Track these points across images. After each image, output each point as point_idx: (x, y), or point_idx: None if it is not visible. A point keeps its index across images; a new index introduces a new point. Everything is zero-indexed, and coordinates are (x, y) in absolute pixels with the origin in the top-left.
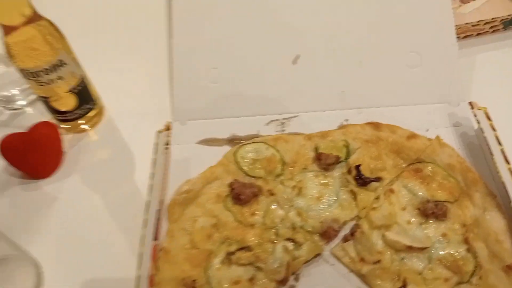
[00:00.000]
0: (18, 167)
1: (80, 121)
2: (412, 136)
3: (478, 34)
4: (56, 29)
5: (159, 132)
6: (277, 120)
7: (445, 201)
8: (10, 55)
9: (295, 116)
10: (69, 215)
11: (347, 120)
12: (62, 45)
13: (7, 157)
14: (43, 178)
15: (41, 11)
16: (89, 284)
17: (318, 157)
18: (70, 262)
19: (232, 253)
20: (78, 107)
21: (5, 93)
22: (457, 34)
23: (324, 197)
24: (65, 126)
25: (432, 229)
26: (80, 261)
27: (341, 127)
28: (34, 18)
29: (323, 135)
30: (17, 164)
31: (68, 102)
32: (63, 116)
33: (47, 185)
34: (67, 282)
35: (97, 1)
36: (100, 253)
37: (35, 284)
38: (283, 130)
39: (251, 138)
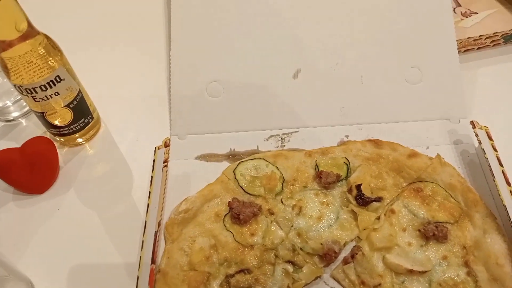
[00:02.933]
0: (11, 184)
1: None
2: (413, 154)
3: (478, 48)
4: (53, 44)
5: (158, 148)
6: (277, 135)
7: (446, 222)
8: (6, 70)
9: (295, 132)
10: (64, 232)
11: (347, 136)
12: (59, 60)
13: None
14: (37, 194)
15: (37, 24)
16: None
17: (319, 175)
18: (64, 281)
19: (231, 275)
20: (74, 121)
21: None
22: (458, 48)
23: (324, 217)
24: (60, 139)
25: (433, 251)
26: (75, 281)
27: (342, 143)
28: (31, 33)
29: (324, 151)
30: (10, 181)
31: (64, 117)
32: (58, 130)
33: (42, 201)
34: None
35: (94, 13)
36: (95, 273)
37: None
38: (283, 146)
39: (251, 154)
